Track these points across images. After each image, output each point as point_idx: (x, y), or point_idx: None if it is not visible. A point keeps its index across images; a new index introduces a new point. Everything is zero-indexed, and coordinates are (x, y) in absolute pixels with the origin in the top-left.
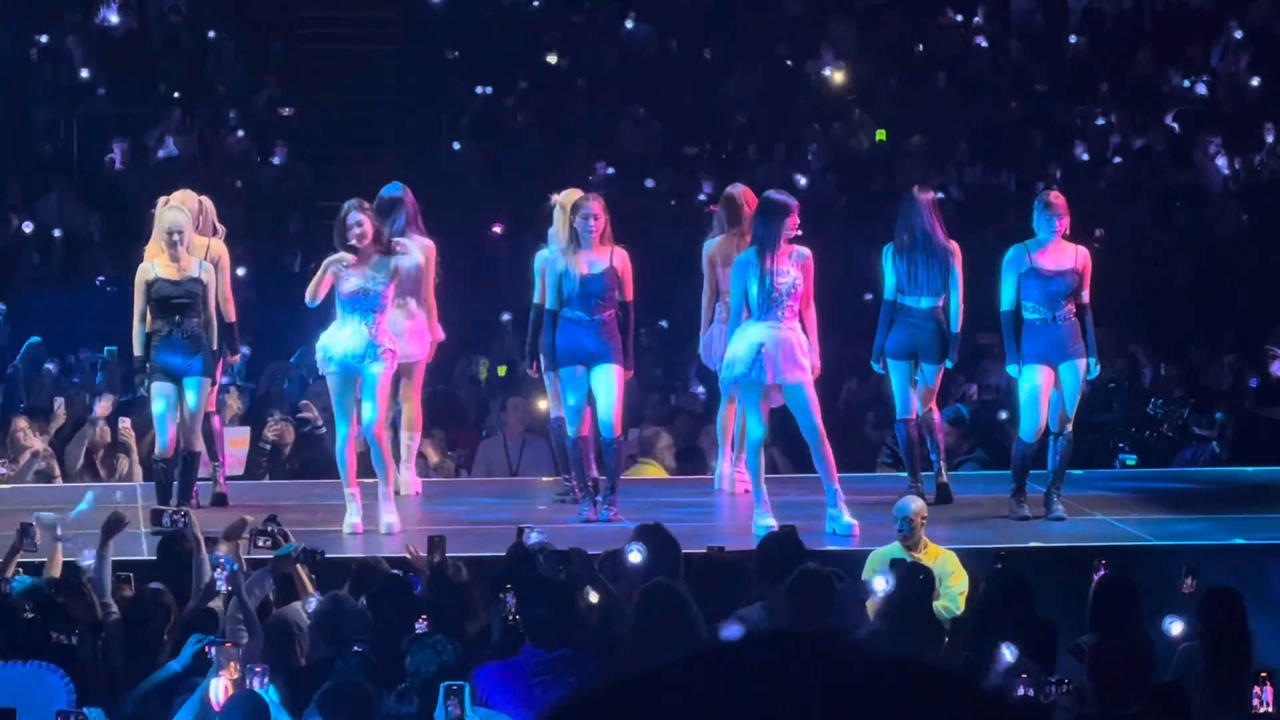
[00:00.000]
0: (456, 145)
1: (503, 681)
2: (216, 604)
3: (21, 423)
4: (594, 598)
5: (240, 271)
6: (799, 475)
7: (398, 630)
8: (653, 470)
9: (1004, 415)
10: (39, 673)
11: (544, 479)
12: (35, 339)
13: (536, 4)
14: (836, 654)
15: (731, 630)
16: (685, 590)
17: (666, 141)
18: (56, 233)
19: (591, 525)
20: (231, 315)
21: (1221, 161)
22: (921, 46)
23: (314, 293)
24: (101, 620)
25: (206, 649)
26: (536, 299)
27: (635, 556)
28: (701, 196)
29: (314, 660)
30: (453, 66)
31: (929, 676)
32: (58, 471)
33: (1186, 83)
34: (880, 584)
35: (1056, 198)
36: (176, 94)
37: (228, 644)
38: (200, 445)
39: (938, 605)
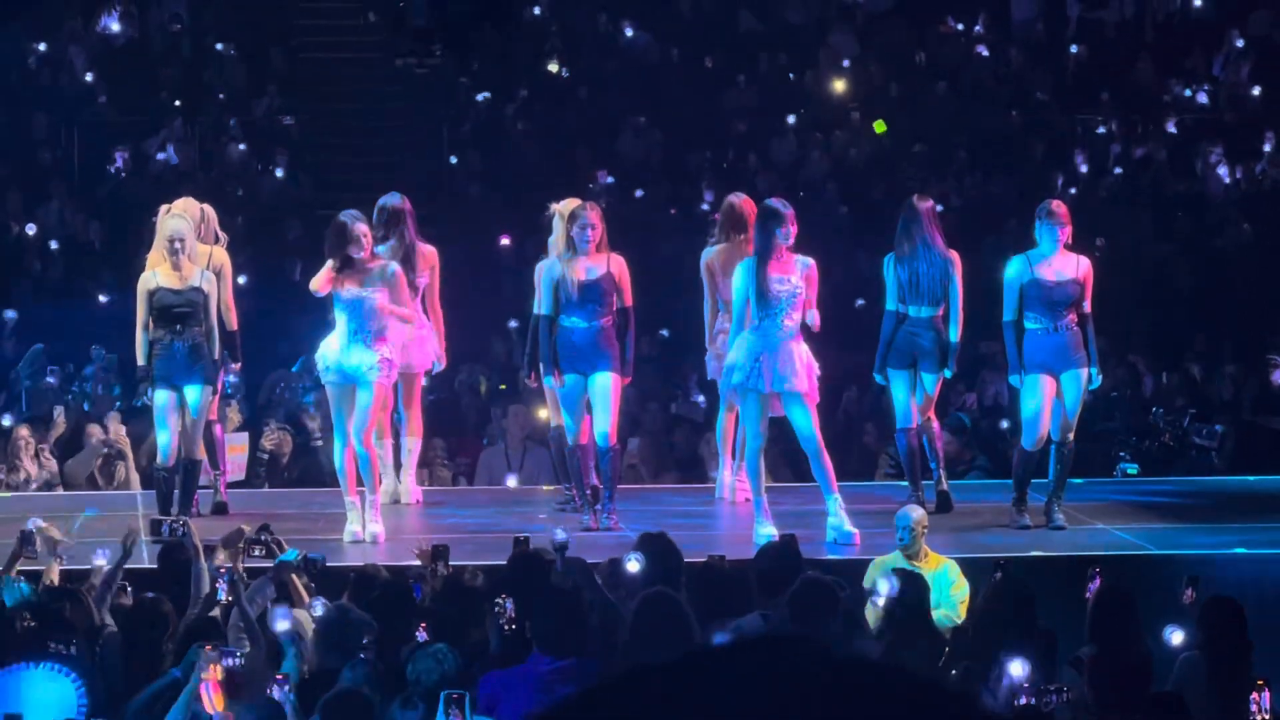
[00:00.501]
0: (457, 155)
1: (509, 689)
2: (218, 612)
3: (23, 431)
4: (633, 567)
5: (241, 280)
6: (799, 484)
7: (397, 638)
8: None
9: (1005, 424)
10: (52, 676)
11: (544, 487)
12: (39, 346)
13: (538, 12)
14: (831, 660)
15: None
16: (685, 599)
17: (667, 151)
18: (54, 244)
19: (592, 533)
20: (234, 324)
21: (1222, 170)
22: (922, 55)
23: (319, 283)
24: (100, 628)
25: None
26: (537, 309)
27: (634, 566)
28: (703, 206)
29: (319, 668)
30: (454, 75)
31: (924, 686)
32: (57, 480)
33: (1188, 92)
34: (884, 587)
35: (1058, 207)
36: (177, 102)
37: (208, 646)
38: (201, 454)
39: (938, 614)
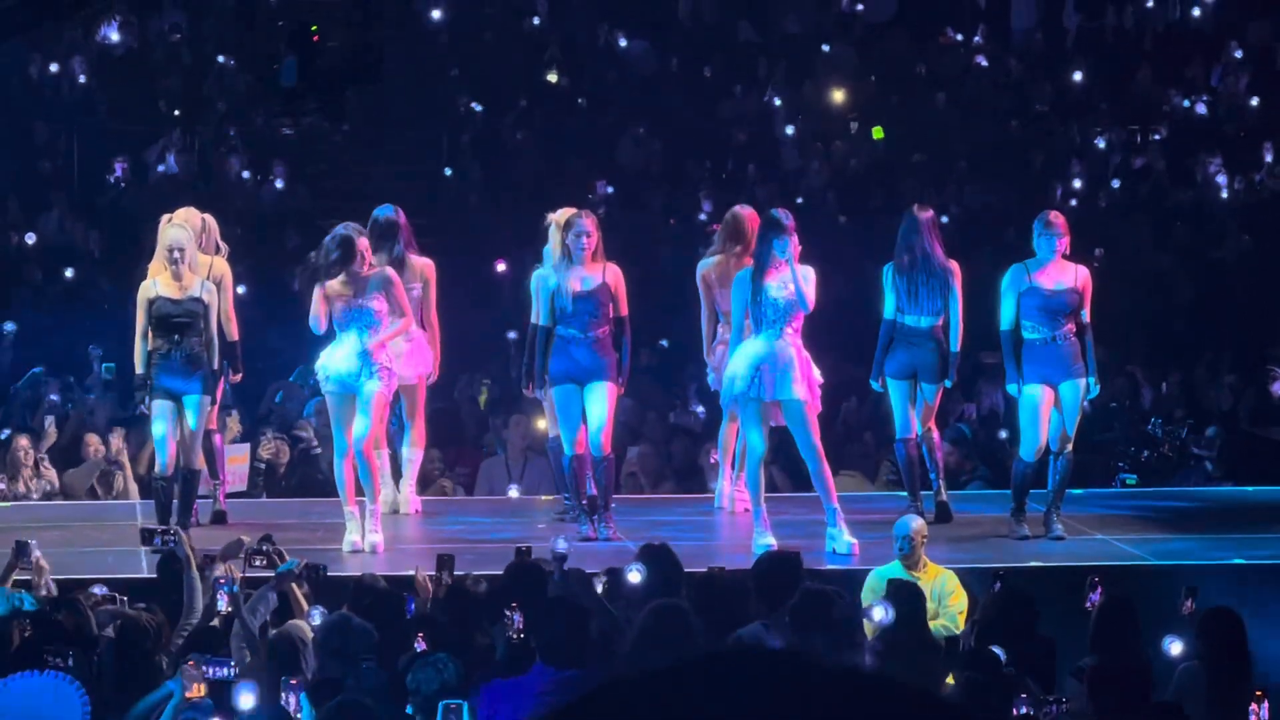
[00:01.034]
0: (456, 164)
1: (510, 700)
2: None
3: (23, 441)
4: (635, 578)
5: (240, 290)
6: (799, 494)
7: (392, 648)
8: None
9: (1004, 434)
10: (56, 684)
11: (543, 497)
12: (37, 370)
13: (537, 22)
14: (825, 671)
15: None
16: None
17: (666, 160)
18: (53, 253)
19: (590, 543)
20: (234, 334)
21: (1221, 181)
22: (922, 66)
23: (316, 320)
24: (96, 637)
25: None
26: (534, 319)
27: (635, 576)
28: (702, 216)
29: (320, 677)
30: (452, 85)
31: (920, 698)
32: (57, 488)
33: (1186, 102)
34: (879, 614)
35: (1056, 217)
36: (177, 112)
37: (190, 663)
38: (200, 463)
39: (936, 625)
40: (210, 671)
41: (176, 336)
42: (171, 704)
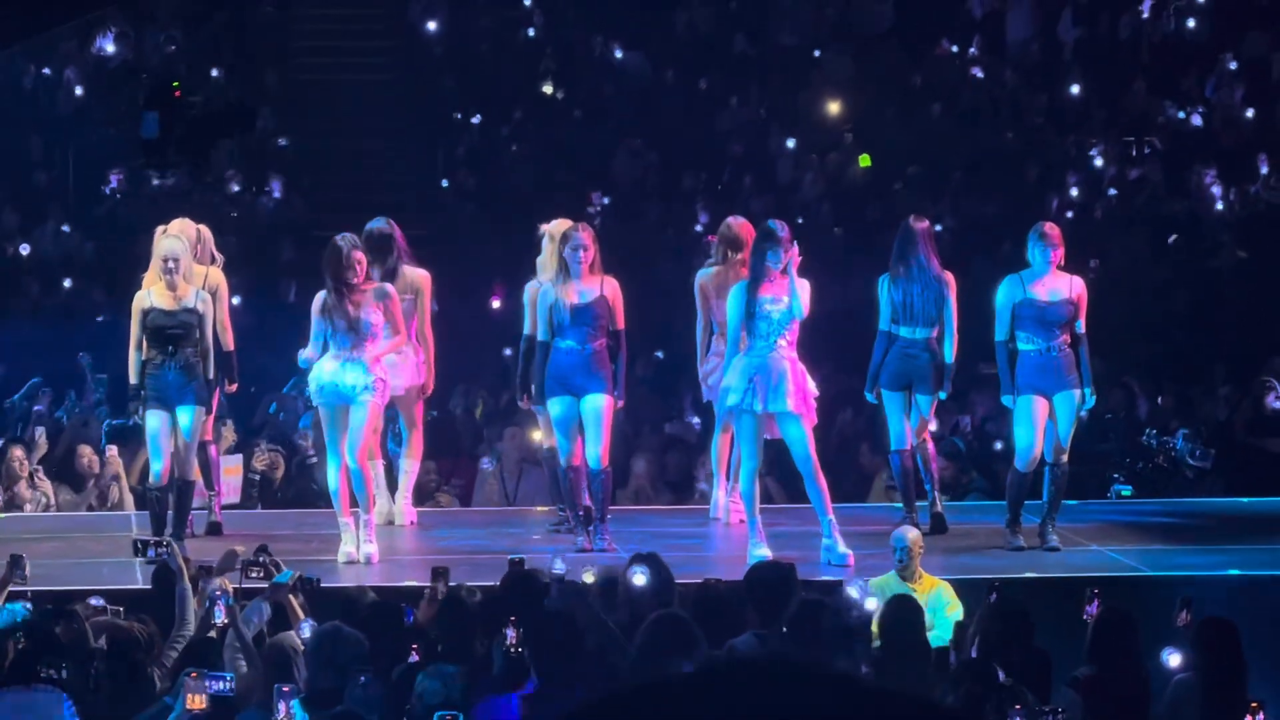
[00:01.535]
0: (451, 175)
1: (506, 716)
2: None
3: (17, 452)
4: (639, 580)
5: (235, 300)
6: (794, 505)
7: (389, 658)
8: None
9: (999, 446)
10: (42, 697)
11: (538, 509)
12: (36, 379)
13: (532, 34)
14: (824, 681)
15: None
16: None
17: (662, 172)
18: (50, 265)
19: (586, 554)
20: (230, 344)
21: (1217, 192)
22: (917, 77)
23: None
24: (93, 650)
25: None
26: (527, 330)
27: (639, 579)
28: (698, 227)
29: (312, 688)
30: (448, 96)
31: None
32: (53, 500)
33: (1181, 114)
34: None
35: (1051, 228)
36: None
37: (194, 674)
38: (195, 474)
39: (931, 636)
40: (210, 685)
41: (171, 348)
42: (172, 716)
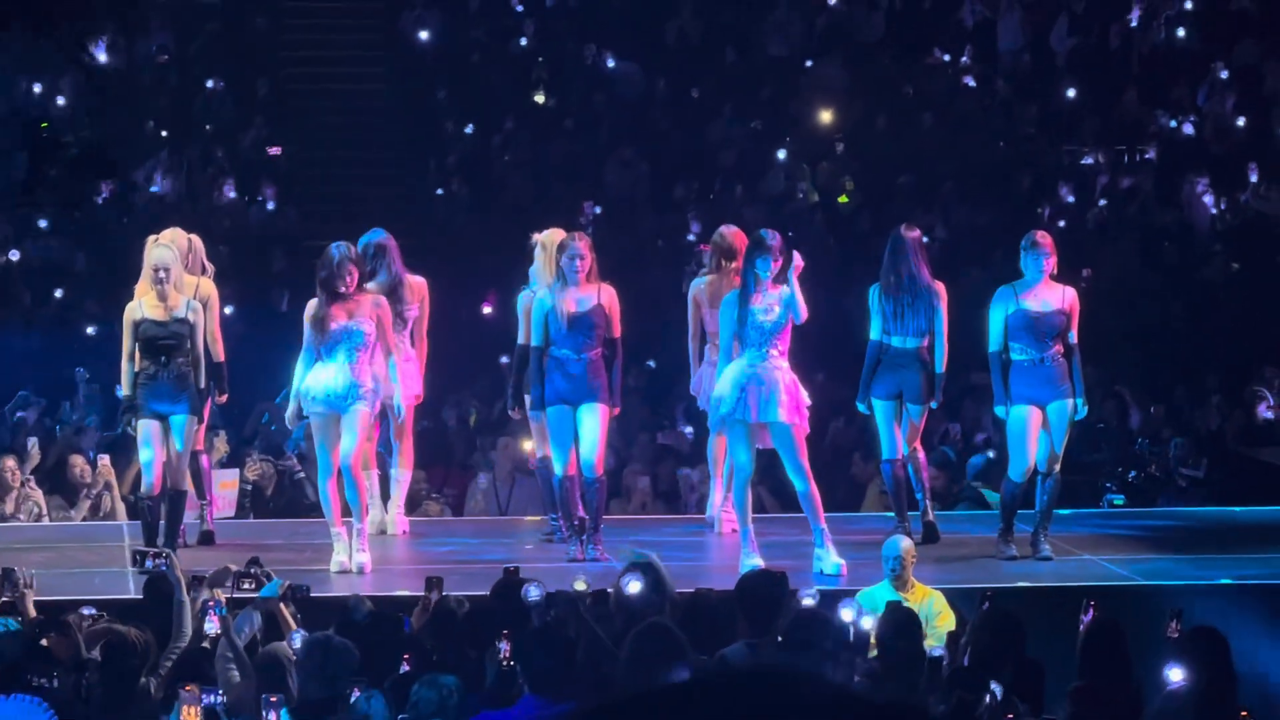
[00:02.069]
0: (443, 185)
1: None
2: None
3: (9, 462)
4: (634, 587)
5: (227, 310)
6: (787, 515)
7: (383, 669)
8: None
9: (991, 455)
10: (22, 705)
11: (530, 518)
12: (24, 392)
13: (524, 43)
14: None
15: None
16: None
17: (654, 182)
18: (40, 274)
19: (578, 564)
20: (220, 354)
21: (1208, 201)
22: (909, 87)
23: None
24: (86, 660)
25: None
26: (521, 339)
27: (635, 586)
28: (690, 237)
29: (303, 699)
30: (440, 106)
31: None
32: (44, 510)
33: (1173, 123)
34: (848, 614)
35: (1043, 238)
36: (164, 133)
37: (188, 686)
38: (187, 484)
39: (925, 645)
40: (204, 699)
41: (163, 358)
42: None
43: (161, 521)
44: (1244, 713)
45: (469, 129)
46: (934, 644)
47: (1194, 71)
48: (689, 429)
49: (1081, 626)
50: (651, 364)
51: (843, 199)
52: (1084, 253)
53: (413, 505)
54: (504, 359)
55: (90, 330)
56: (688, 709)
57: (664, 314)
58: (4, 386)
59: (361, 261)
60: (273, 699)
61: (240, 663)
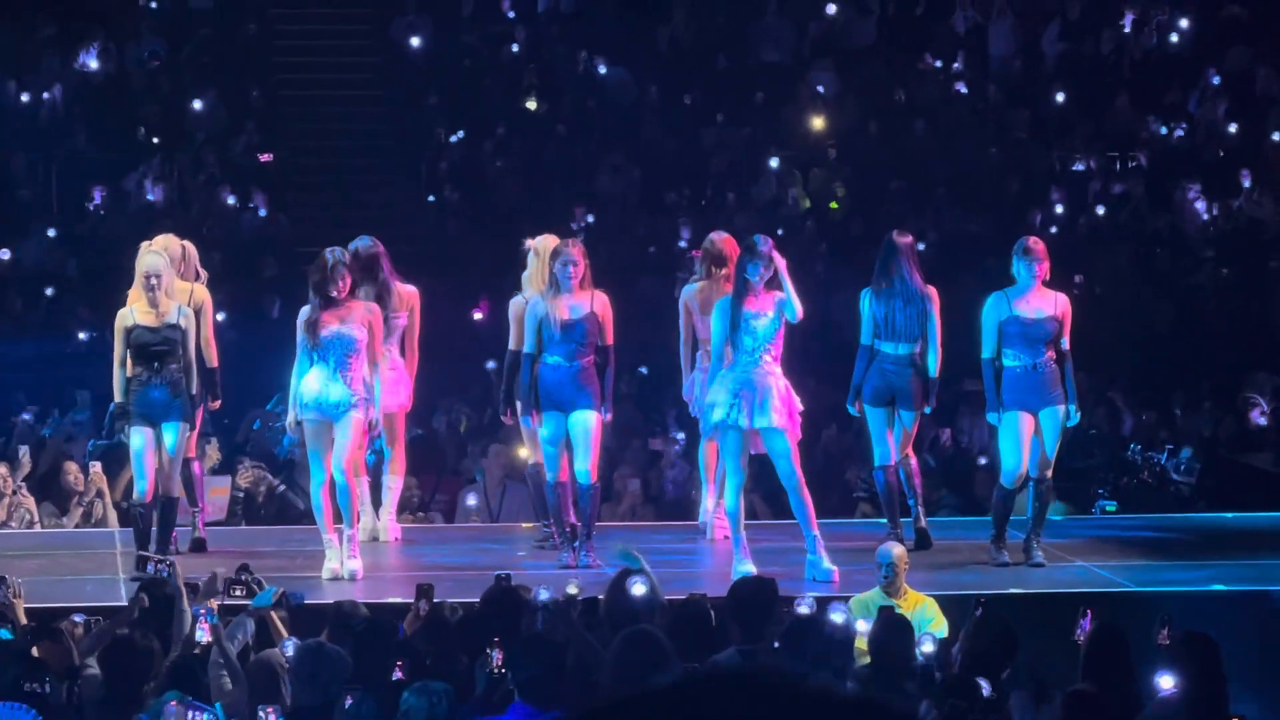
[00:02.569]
0: (435, 191)
1: None
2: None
3: (1, 469)
4: (639, 590)
5: (219, 317)
6: (779, 521)
7: (379, 676)
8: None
9: (984, 461)
10: (11, 714)
11: (523, 525)
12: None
13: (515, 49)
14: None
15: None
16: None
17: (646, 188)
18: (32, 281)
19: (570, 571)
20: (213, 361)
21: (1200, 207)
22: (901, 93)
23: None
24: (78, 668)
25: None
26: (512, 344)
27: (639, 589)
28: (681, 243)
29: (298, 705)
30: (431, 112)
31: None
32: (35, 517)
33: (1165, 129)
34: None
35: (1035, 244)
36: (156, 139)
37: (174, 702)
38: (179, 491)
39: (917, 651)
40: (191, 716)
41: (156, 364)
42: None
43: (154, 528)
44: (1236, 718)
45: (460, 135)
46: (927, 650)
47: (1186, 77)
48: (681, 435)
49: (1079, 633)
50: (643, 370)
51: (833, 205)
52: (1076, 259)
53: (404, 511)
54: (490, 364)
55: (82, 336)
56: (673, 713)
57: (656, 320)
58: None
59: (355, 267)
60: (269, 709)
61: (232, 670)
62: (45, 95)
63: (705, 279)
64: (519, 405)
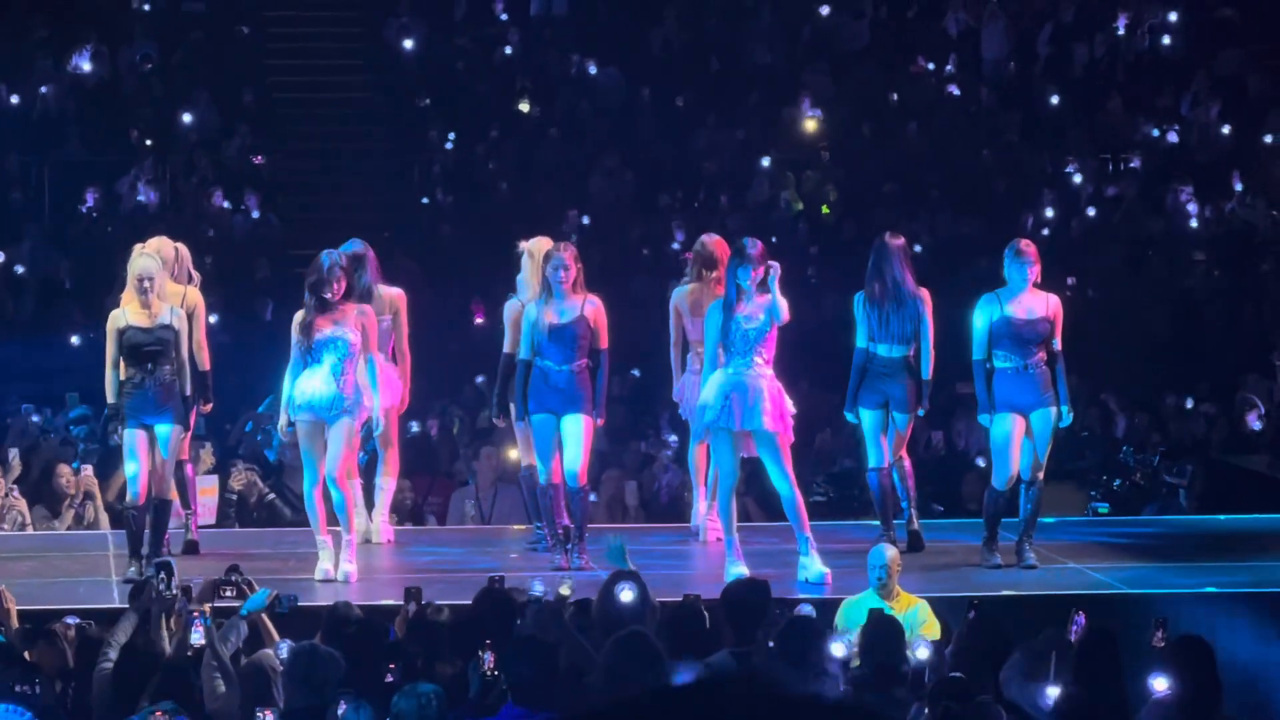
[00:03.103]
0: (428, 194)
1: None
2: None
3: None
4: (627, 596)
5: (212, 319)
6: (772, 524)
7: (369, 679)
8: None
9: (982, 463)
10: (8, 715)
11: (515, 527)
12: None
13: (508, 52)
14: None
15: (684, 675)
16: (657, 640)
17: (639, 190)
18: (25, 283)
19: (562, 573)
20: (205, 363)
21: (1193, 209)
22: (893, 95)
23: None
24: (72, 670)
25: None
26: (507, 347)
27: (627, 595)
28: (674, 245)
29: (291, 708)
30: (424, 115)
31: None
32: (27, 520)
33: (1157, 132)
34: (839, 649)
35: (1027, 245)
36: (149, 142)
37: (159, 713)
38: (172, 493)
39: (909, 654)
40: None
41: (149, 365)
42: None
43: (146, 531)
44: None
45: (453, 138)
46: (922, 656)
47: (1178, 80)
48: (674, 438)
49: (1071, 635)
50: (636, 372)
51: (825, 208)
52: (1069, 261)
53: (397, 514)
54: (480, 378)
55: (75, 339)
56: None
57: (648, 323)
58: None
59: (351, 270)
60: (266, 712)
61: (225, 673)
62: (38, 97)
63: (696, 281)
64: (512, 408)
